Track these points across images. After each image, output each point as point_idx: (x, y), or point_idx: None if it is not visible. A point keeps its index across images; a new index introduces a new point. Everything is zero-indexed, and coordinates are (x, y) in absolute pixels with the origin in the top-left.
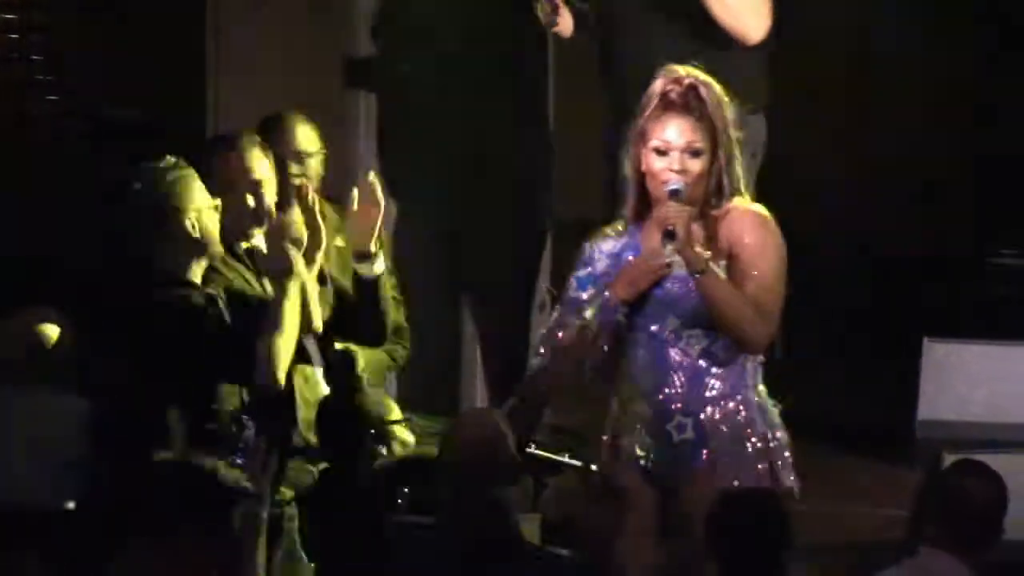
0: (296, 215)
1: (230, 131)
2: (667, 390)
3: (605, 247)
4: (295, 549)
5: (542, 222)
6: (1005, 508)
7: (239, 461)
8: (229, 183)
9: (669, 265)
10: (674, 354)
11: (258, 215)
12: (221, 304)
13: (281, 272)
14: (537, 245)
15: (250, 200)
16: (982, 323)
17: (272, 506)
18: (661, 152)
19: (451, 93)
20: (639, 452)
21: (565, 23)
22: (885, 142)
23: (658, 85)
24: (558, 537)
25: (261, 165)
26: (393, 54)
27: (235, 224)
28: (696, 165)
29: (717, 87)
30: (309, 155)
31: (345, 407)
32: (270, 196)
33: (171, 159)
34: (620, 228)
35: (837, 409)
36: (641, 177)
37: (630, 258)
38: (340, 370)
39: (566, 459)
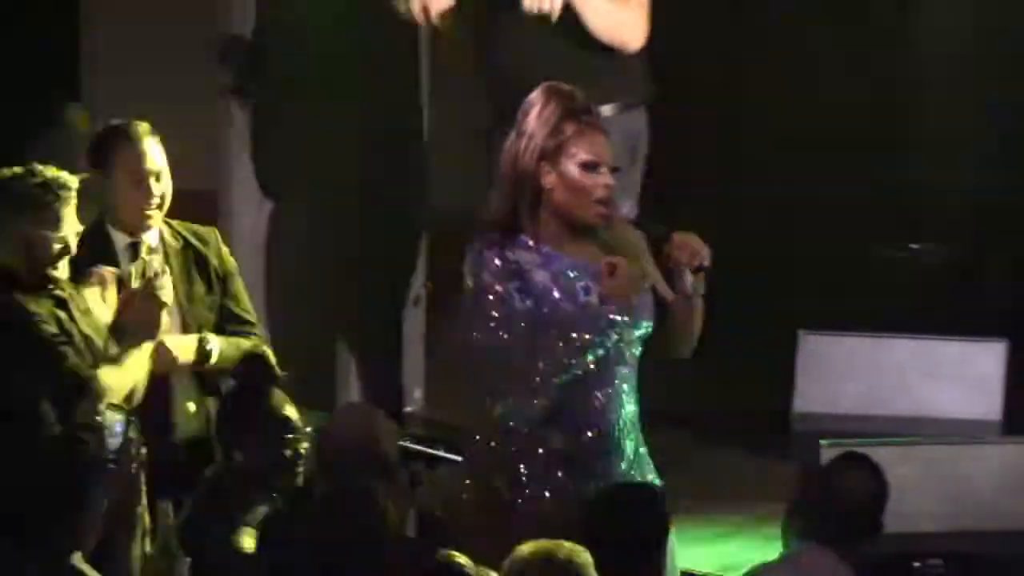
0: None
1: (124, 121)
2: (606, 418)
3: (528, 257)
4: (170, 545)
5: (417, 218)
6: (885, 502)
7: (111, 459)
8: (128, 173)
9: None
10: (609, 382)
11: (153, 204)
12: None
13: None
14: (412, 241)
15: (152, 188)
16: (857, 315)
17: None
18: (591, 167)
19: (324, 92)
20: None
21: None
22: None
23: (553, 103)
24: (434, 531)
25: (158, 154)
26: (266, 54)
27: (131, 218)
28: (614, 181)
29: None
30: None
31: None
32: (167, 185)
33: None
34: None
35: (712, 402)
36: (541, 195)
37: (571, 274)
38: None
39: (442, 453)
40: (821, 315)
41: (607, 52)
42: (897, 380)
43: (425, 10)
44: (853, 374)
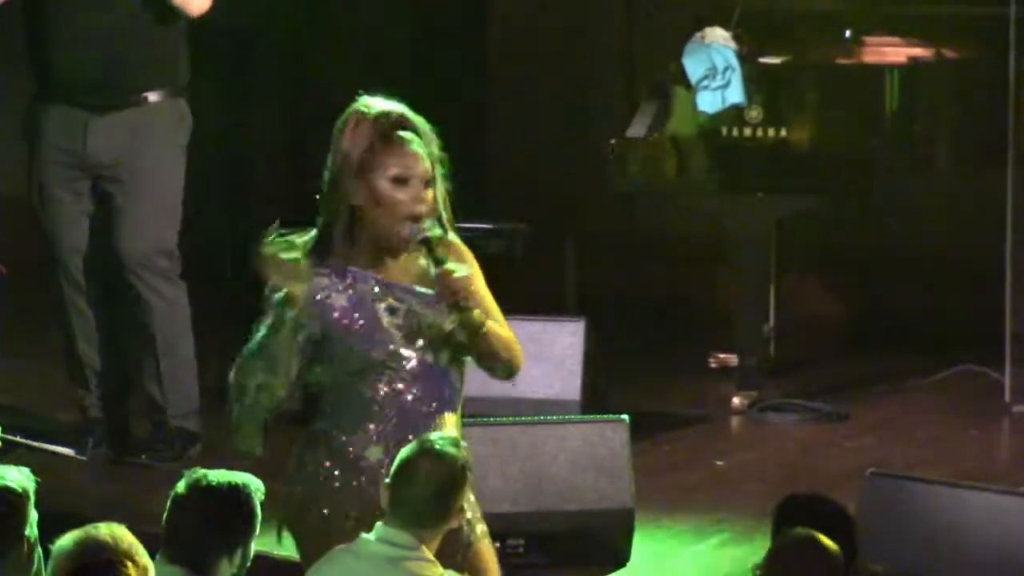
0: None
1: None
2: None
3: (325, 283)
4: None
5: None
6: (457, 486)
7: None
8: None
9: None
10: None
11: None
12: None
13: None
14: None
15: None
16: None
17: None
18: (401, 181)
19: None
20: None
21: None
22: None
23: (367, 119)
24: None
25: None
26: None
27: None
28: (430, 195)
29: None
30: None
31: None
32: None
33: None
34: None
35: None
36: (354, 213)
37: (376, 290)
38: None
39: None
40: None
41: (152, 39)
42: None
43: None
44: None
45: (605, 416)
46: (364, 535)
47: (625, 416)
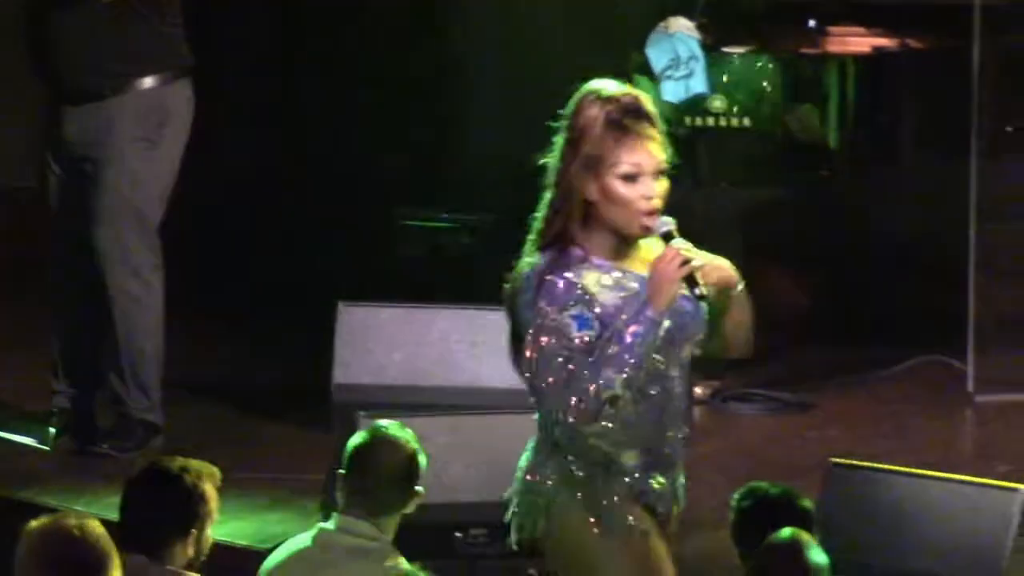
0: None
1: None
2: (678, 429)
3: (594, 278)
4: None
5: None
6: (415, 471)
7: None
8: None
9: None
10: (679, 387)
11: None
12: None
13: None
14: None
15: None
16: (393, 286)
17: None
18: (632, 178)
19: None
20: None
21: None
22: None
23: (596, 107)
24: None
25: None
26: None
27: None
28: (663, 186)
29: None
30: None
31: None
32: None
33: None
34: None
35: (254, 374)
36: (586, 206)
37: (633, 286)
38: None
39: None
40: (364, 286)
41: (148, 24)
42: (441, 351)
43: None
44: (395, 345)
45: None
46: (322, 524)
47: None
